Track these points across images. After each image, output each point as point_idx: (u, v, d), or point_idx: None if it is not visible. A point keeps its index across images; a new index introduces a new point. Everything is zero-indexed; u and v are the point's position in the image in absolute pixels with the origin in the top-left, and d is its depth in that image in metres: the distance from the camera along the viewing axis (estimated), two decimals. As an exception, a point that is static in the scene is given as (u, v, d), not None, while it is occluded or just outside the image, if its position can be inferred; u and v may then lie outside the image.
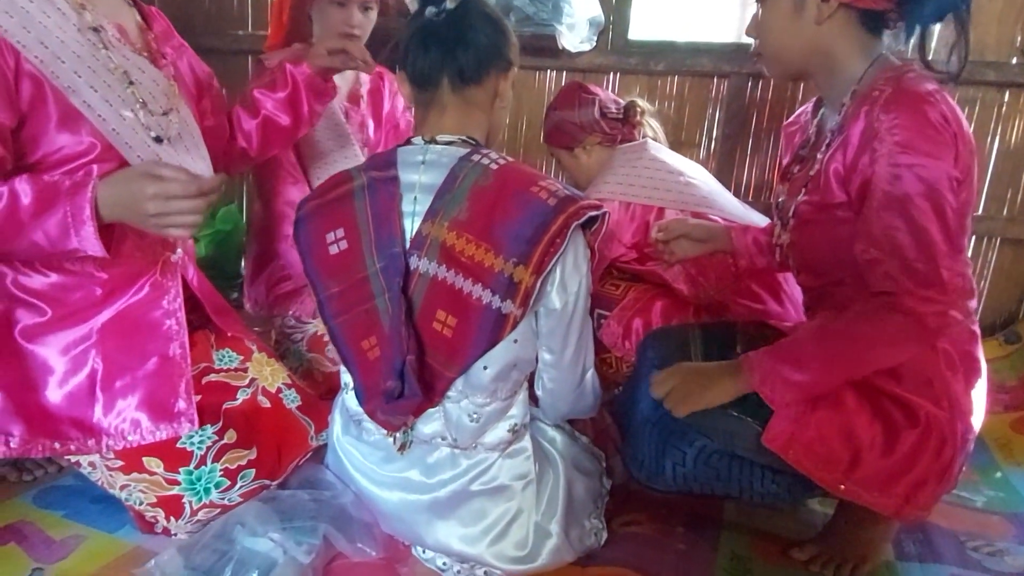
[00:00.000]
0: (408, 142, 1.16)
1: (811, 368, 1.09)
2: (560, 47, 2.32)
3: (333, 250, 1.14)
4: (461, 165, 1.09)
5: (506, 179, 1.06)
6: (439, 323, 1.07)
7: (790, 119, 1.44)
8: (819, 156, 1.21)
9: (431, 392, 1.10)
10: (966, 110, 2.15)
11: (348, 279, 1.14)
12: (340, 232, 1.14)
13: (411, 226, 1.11)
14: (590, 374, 1.21)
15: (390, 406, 1.09)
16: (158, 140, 1.25)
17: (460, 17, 1.11)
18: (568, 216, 1.03)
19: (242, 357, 1.43)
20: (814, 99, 1.35)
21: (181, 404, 1.25)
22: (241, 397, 1.36)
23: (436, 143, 1.13)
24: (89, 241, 1.10)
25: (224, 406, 1.31)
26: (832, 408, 1.12)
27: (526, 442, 1.20)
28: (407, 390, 1.07)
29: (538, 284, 1.03)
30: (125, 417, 1.22)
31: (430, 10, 1.11)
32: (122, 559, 1.21)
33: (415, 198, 1.11)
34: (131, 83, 1.24)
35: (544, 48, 2.35)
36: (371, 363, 1.13)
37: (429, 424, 1.15)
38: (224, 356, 1.42)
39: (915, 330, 1.04)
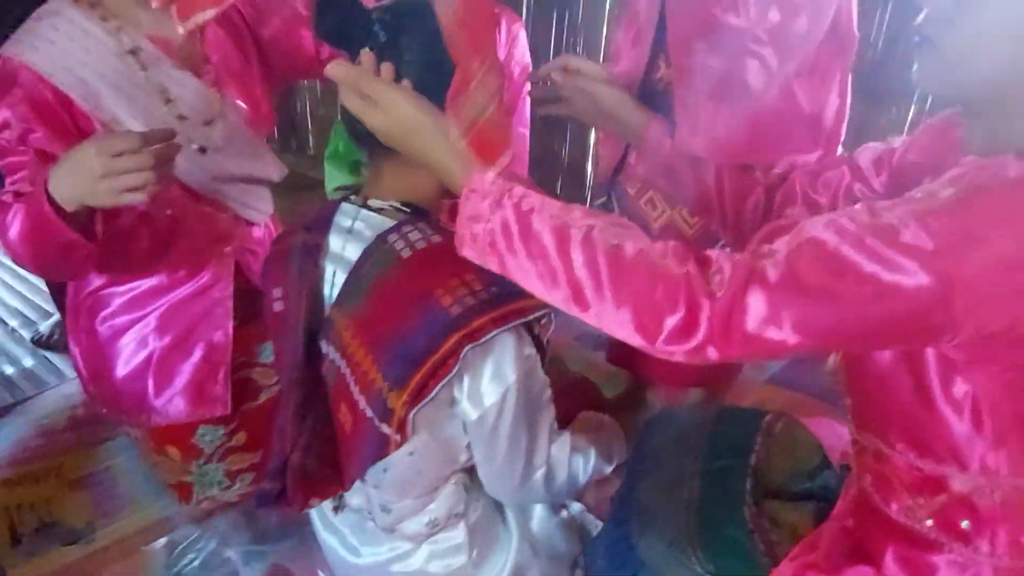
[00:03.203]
0: (348, 198, 1.04)
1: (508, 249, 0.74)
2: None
3: (277, 307, 1.09)
4: (375, 246, 0.95)
5: (414, 274, 0.91)
6: (343, 415, 1.00)
7: None
8: None
9: (341, 476, 1.05)
10: None
11: (281, 345, 1.09)
12: (280, 291, 1.08)
13: (329, 302, 1.02)
14: (540, 473, 1.04)
15: (261, 508, 1.05)
16: (202, 151, 1.29)
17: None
18: (463, 336, 0.86)
19: (281, 351, 1.51)
20: None
21: (218, 389, 1.37)
22: (263, 397, 1.44)
23: (368, 208, 1.00)
24: (62, 232, 1.06)
25: (243, 407, 1.41)
26: None
27: (458, 532, 1.10)
28: (290, 494, 1.01)
29: (411, 415, 0.90)
30: (170, 398, 1.37)
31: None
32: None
33: (335, 273, 1.01)
34: (168, 100, 1.27)
35: None
36: None
37: (355, 496, 1.11)
38: (266, 349, 1.51)
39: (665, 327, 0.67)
